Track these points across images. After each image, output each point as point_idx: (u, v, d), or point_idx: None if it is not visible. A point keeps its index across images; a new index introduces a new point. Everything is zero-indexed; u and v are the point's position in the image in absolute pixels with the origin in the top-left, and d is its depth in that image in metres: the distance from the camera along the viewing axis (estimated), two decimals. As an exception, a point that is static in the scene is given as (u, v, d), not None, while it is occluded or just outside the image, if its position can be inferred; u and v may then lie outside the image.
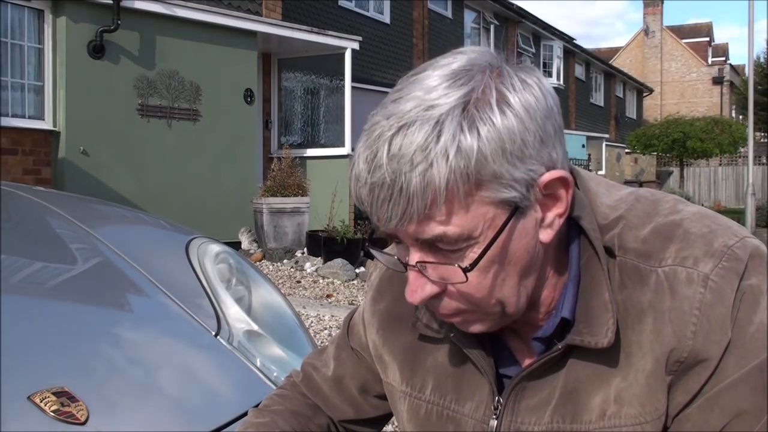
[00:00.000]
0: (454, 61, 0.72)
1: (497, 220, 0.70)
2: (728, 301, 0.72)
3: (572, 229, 0.80)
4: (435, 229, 0.70)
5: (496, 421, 0.83)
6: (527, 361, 0.83)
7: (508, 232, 0.71)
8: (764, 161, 27.02)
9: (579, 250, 0.80)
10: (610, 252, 0.78)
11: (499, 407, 0.83)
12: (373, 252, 0.80)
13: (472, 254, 0.72)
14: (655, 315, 0.74)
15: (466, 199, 0.68)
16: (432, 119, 0.67)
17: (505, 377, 0.86)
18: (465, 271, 0.72)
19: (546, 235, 0.75)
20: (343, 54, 9.82)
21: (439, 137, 0.67)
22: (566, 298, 0.79)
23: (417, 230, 0.70)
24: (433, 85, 0.70)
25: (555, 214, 0.75)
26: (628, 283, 0.77)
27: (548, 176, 0.72)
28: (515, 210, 0.71)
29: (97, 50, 7.17)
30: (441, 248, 0.72)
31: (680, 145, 20.92)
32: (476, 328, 0.79)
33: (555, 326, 0.79)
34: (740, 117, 33.96)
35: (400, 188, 0.67)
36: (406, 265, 0.75)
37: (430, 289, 0.75)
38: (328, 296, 6.48)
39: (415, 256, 0.74)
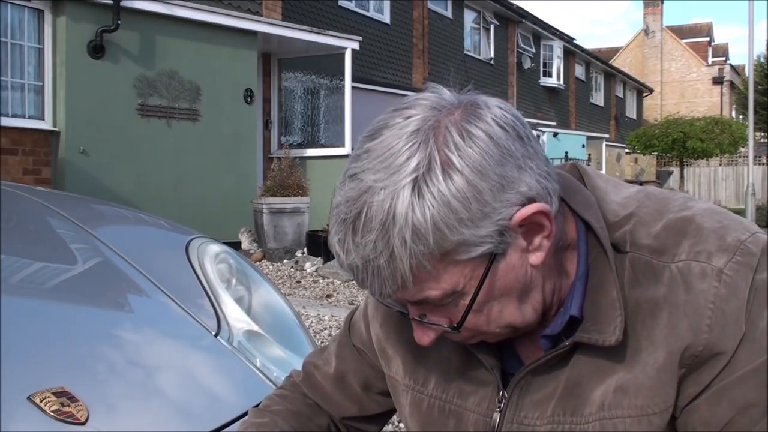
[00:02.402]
0: (406, 123, 0.72)
1: (477, 270, 0.73)
2: (743, 294, 0.73)
3: (580, 227, 0.81)
4: (417, 295, 0.73)
5: (498, 415, 0.83)
6: (532, 357, 0.84)
7: (492, 276, 0.73)
8: (764, 161, 27.01)
9: (587, 247, 0.80)
10: (618, 249, 0.79)
11: (504, 401, 0.83)
12: (380, 301, 0.83)
13: (463, 302, 0.75)
14: (670, 309, 0.75)
15: (436, 271, 0.71)
16: (386, 203, 0.69)
17: (507, 373, 0.86)
18: (454, 329, 0.76)
19: (536, 258, 0.75)
20: (343, 54, 9.81)
21: (395, 221, 0.68)
22: (574, 296, 0.79)
23: (401, 297, 0.74)
24: (386, 157, 0.70)
25: (541, 237, 0.75)
26: (641, 279, 0.77)
27: (519, 216, 0.71)
28: (493, 257, 0.72)
29: (97, 50, 7.17)
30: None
31: (680, 145, 20.90)
32: (494, 339, 0.82)
33: (563, 324, 0.79)
34: (740, 117, 33.94)
35: (372, 271, 0.71)
36: (407, 315, 0.80)
37: (434, 334, 0.79)
38: (328, 296, 6.48)
39: (412, 311, 0.78)
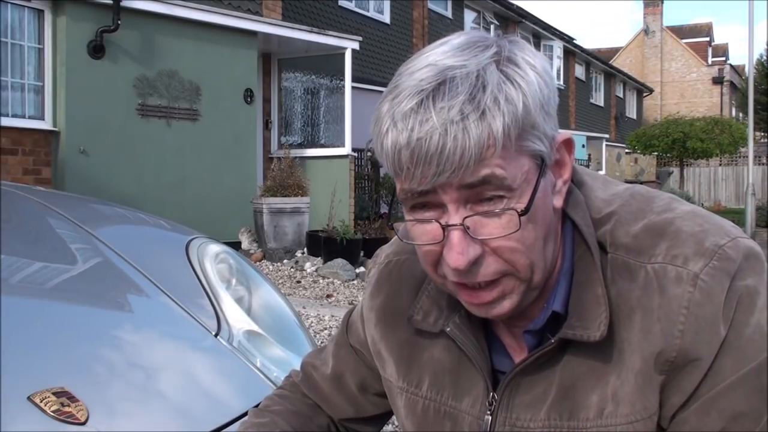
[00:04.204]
0: (460, 35, 0.74)
1: (530, 174, 0.71)
2: (718, 300, 0.72)
3: (566, 224, 0.81)
4: (483, 171, 0.68)
5: (490, 417, 0.83)
6: (520, 357, 0.83)
7: (541, 189, 0.73)
8: (764, 161, 27.00)
9: (573, 245, 0.80)
10: (602, 248, 0.78)
11: (494, 403, 0.83)
12: (409, 218, 0.75)
13: (513, 204, 0.70)
14: (643, 313, 0.74)
15: (516, 144, 0.69)
16: (471, 73, 0.68)
17: (500, 373, 0.85)
18: (521, 214, 0.70)
19: (558, 201, 0.77)
20: (343, 54, 9.81)
21: (484, 88, 0.68)
22: (558, 292, 0.79)
23: (464, 177, 0.68)
24: (456, 47, 0.71)
25: (562, 182, 0.77)
26: (617, 279, 0.77)
27: (561, 136, 0.75)
28: (542, 164, 0.72)
29: (97, 50, 7.17)
30: (483, 201, 0.71)
31: (680, 145, 20.87)
32: (506, 304, 0.76)
33: (546, 319, 0.79)
34: (740, 115, 33.93)
35: (453, 137, 0.67)
36: (445, 228, 0.71)
37: (474, 251, 0.71)
38: (328, 296, 6.49)
39: (461, 213, 0.71)
